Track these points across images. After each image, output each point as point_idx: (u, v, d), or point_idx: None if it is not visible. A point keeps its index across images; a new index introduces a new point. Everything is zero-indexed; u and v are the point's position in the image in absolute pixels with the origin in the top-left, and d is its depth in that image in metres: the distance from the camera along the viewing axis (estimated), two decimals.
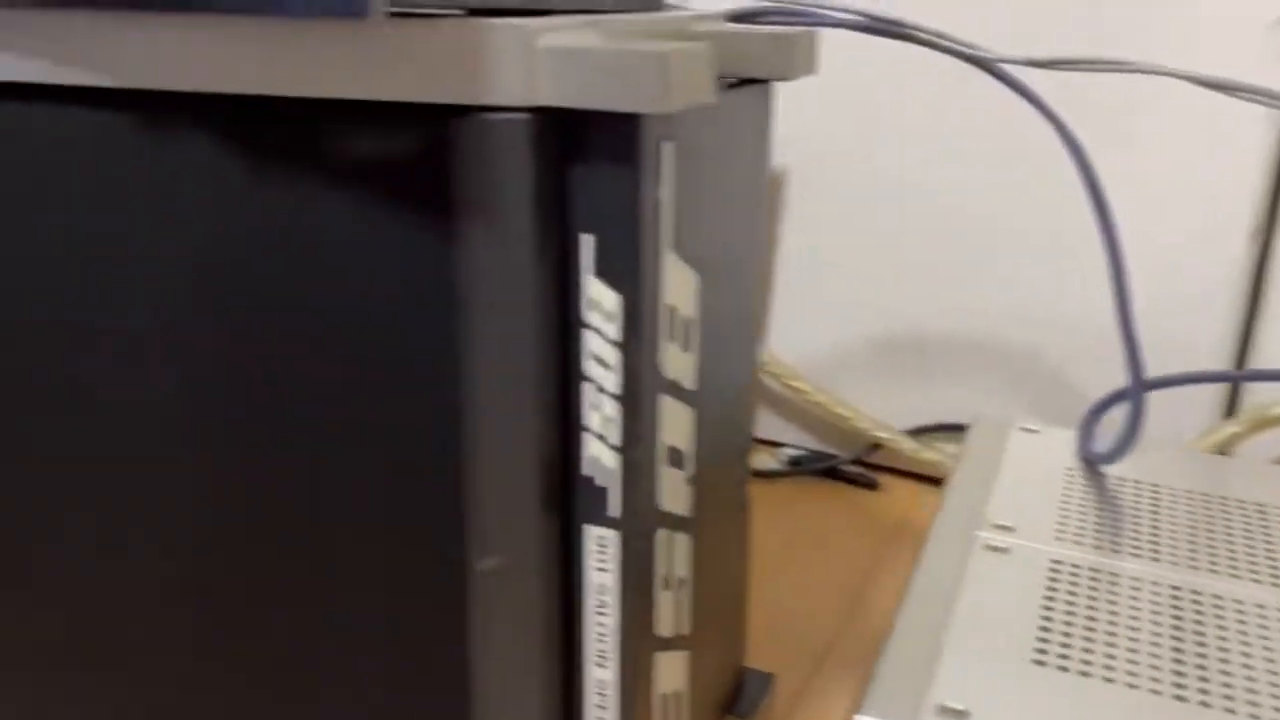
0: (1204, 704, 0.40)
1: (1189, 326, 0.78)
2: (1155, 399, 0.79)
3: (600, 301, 0.35)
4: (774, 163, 0.88)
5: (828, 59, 0.84)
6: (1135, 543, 0.51)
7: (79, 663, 0.47)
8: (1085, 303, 0.81)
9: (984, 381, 0.86)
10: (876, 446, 0.90)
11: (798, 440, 0.95)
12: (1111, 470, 0.59)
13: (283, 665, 0.43)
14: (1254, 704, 0.40)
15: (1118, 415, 0.58)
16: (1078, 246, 0.80)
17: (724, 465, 0.47)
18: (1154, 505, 0.56)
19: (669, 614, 0.42)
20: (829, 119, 0.85)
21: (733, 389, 0.47)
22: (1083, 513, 0.55)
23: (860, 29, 0.49)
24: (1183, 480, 0.58)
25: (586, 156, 0.33)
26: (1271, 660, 0.42)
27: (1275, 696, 0.40)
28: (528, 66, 0.31)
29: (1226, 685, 0.41)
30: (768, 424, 0.95)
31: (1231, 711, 0.39)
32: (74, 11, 0.35)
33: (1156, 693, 0.41)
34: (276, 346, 0.38)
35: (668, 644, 0.42)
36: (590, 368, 0.35)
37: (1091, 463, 0.60)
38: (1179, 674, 0.42)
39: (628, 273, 0.34)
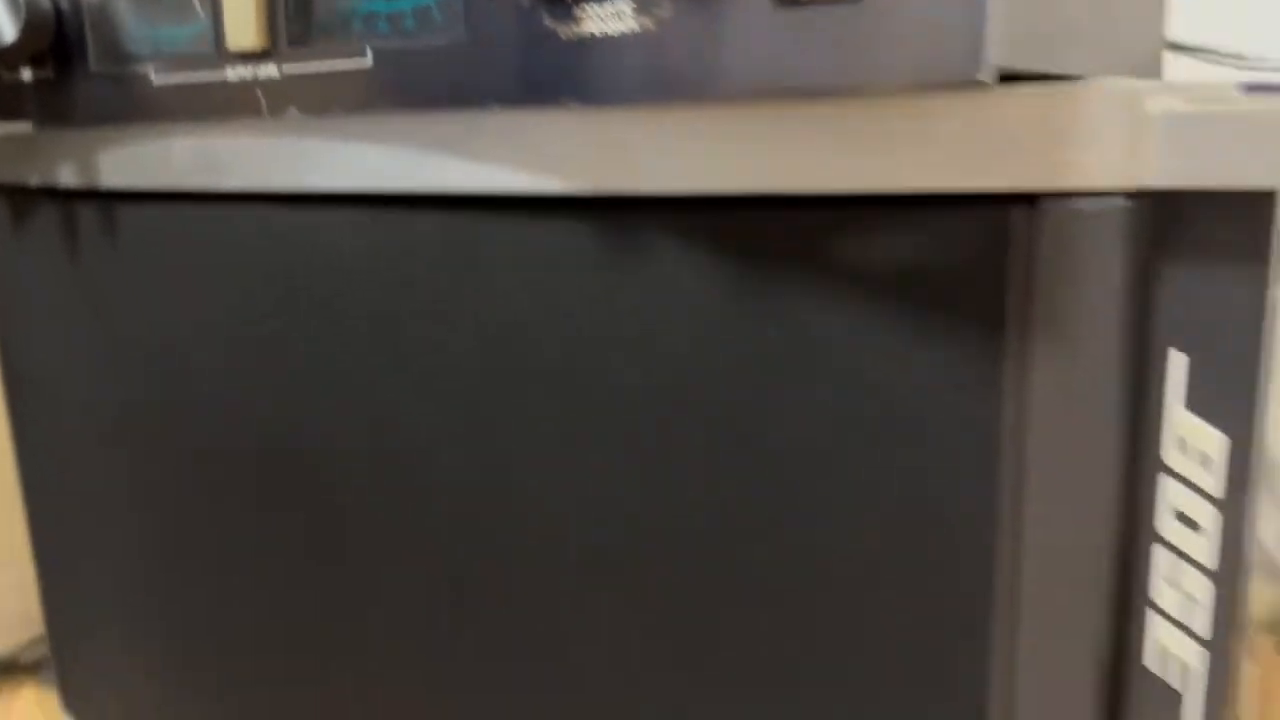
0: None
1: None
2: None
3: (1192, 441, 0.26)
4: None
5: None
6: None
7: None
8: None
9: None
10: None
11: None
12: None
13: None
14: None
15: None
16: None
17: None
18: None
19: None
20: None
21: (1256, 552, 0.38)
22: None
23: None
24: None
25: (1191, 251, 0.25)
26: None
27: None
28: (1134, 138, 0.24)
29: None
30: None
31: None
32: (548, 112, 0.32)
33: None
34: (756, 490, 0.31)
35: None
36: (1169, 527, 0.27)
37: None
38: None
39: (1238, 405, 0.25)
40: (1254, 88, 0.37)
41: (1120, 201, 0.25)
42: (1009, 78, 0.24)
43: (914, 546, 0.29)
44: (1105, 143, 0.24)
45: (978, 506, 0.27)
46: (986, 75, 0.22)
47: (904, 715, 0.30)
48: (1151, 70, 0.38)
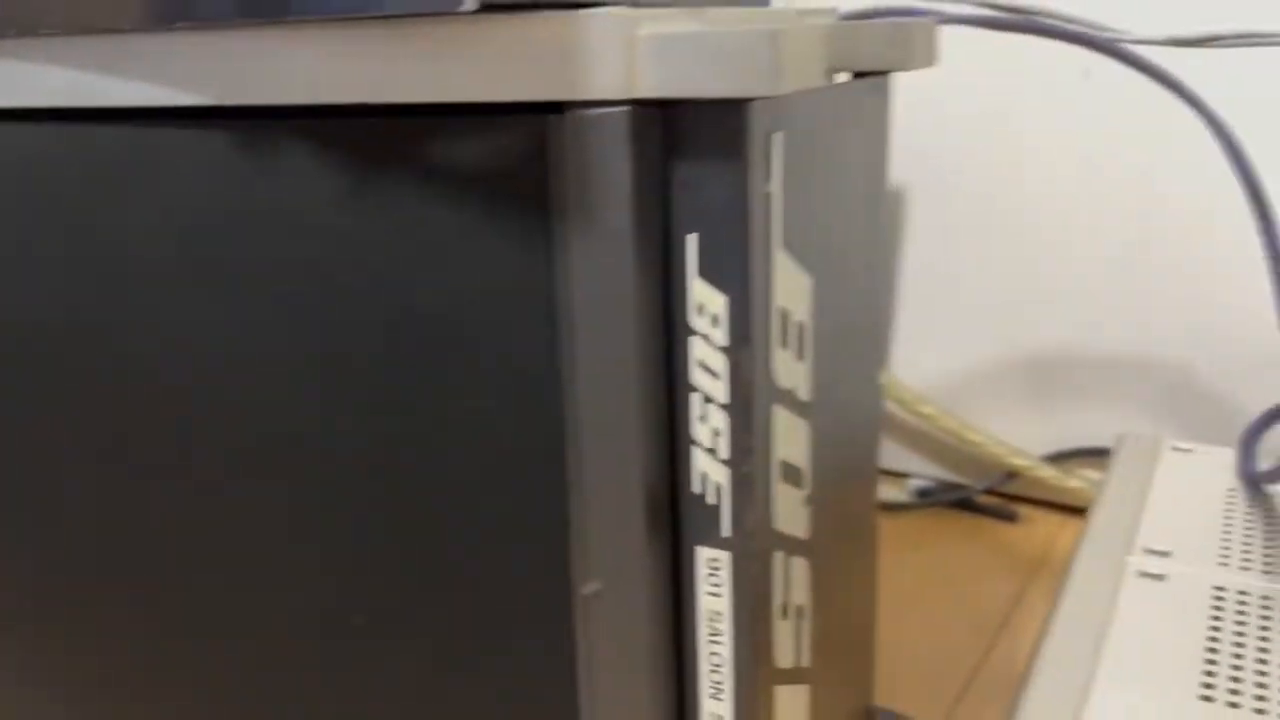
0: None
1: None
2: None
3: (706, 304, 0.33)
4: (894, 175, 0.85)
5: (951, 62, 0.81)
6: None
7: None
8: (1240, 310, 0.76)
9: (1129, 401, 0.81)
10: (1012, 475, 0.86)
11: (924, 470, 0.92)
12: (1278, 490, 0.55)
13: (380, 694, 0.42)
14: None
15: None
16: (1230, 249, 0.75)
17: (846, 487, 0.44)
18: None
19: (788, 644, 0.39)
20: (950, 126, 0.82)
21: (855, 404, 0.44)
22: (1248, 536, 0.50)
23: (983, 24, 0.48)
24: None
25: (689, 150, 0.31)
26: None
27: None
28: (627, 57, 0.30)
29: None
30: (892, 454, 0.92)
31: None
32: (173, 33, 0.36)
33: None
34: (373, 361, 0.37)
35: (787, 676, 0.40)
36: (697, 376, 0.34)
37: (1254, 483, 0.55)
38: None
39: (735, 272, 0.32)
40: (853, 16, 0.43)
41: (624, 109, 0.30)
42: (514, 6, 0.30)
43: (491, 416, 0.35)
44: (606, 60, 0.30)
45: (544, 366, 0.33)
46: (470, 6, 0.28)
47: (491, 549, 0.37)
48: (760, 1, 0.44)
